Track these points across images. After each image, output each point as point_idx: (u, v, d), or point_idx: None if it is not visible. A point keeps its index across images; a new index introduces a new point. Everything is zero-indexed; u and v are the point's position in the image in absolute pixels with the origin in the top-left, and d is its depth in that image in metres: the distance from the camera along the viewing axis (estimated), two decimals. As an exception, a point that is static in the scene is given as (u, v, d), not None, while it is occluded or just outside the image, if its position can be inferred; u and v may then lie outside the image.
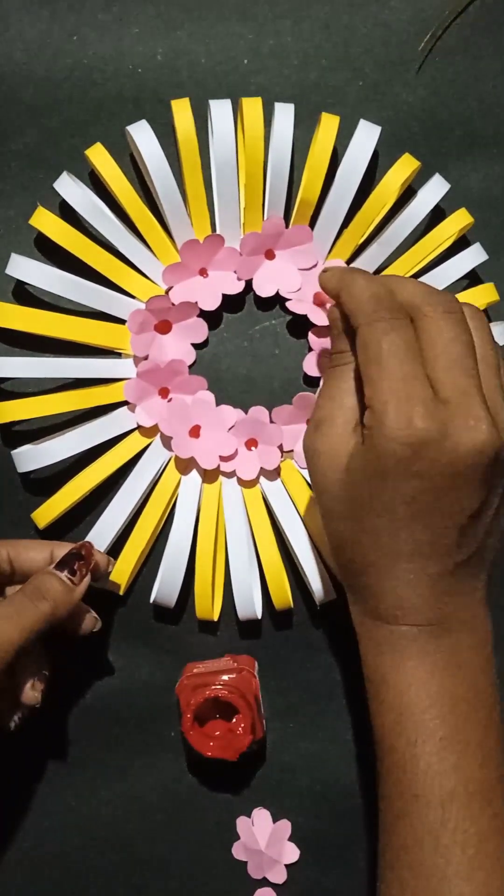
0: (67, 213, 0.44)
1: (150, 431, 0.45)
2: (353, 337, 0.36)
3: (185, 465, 0.46)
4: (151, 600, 0.46)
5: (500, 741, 0.36)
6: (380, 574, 0.36)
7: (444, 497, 0.34)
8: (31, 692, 0.41)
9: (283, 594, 0.45)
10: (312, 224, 0.44)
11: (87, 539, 0.44)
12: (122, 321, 0.44)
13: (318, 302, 0.44)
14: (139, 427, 0.45)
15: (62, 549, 0.42)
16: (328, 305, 0.39)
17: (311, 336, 0.45)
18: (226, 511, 0.45)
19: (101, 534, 0.44)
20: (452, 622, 0.36)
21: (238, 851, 0.48)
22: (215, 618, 0.47)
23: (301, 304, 0.45)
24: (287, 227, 0.45)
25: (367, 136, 0.43)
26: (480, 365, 0.35)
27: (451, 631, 0.36)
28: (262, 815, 0.48)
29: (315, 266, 0.45)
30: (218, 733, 0.45)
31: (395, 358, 0.34)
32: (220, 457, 0.45)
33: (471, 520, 0.35)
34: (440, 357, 0.34)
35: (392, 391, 0.33)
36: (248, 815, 0.48)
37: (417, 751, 0.35)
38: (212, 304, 0.45)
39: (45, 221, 0.43)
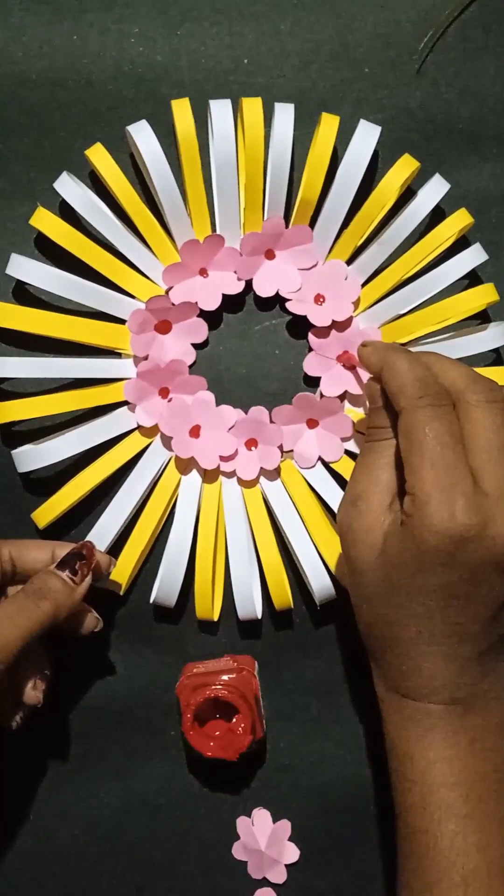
0: (67, 213, 0.44)
1: (150, 431, 0.45)
2: (393, 415, 0.36)
3: (185, 465, 0.46)
4: (151, 600, 0.46)
5: None
6: (410, 653, 0.36)
7: (480, 586, 0.35)
8: (33, 692, 0.41)
9: (283, 594, 0.45)
10: (312, 224, 0.44)
11: (88, 539, 0.44)
12: (122, 321, 0.44)
13: (348, 364, 0.44)
14: (139, 427, 0.45)
15: (64, 548, 0.42)
16: (366, 380, 0.40)
17: (311, 336, 0.45)
18: (226, 511, 0.45)
19: (101, 534, 0.44)
20: (478, 701, 0.36)
21: (238, 851, 0.48)
22: (215, 618, 0.47)
23: (301, 305, 0.45)
24: (287, 227, 0.45)
25: (367, 136, 0.43)
26: None
27: (476, 709, 0.36)
28: (262, 815, 0.48)
29: (315, 266, 0.45)
30: (218, 733, 0.45)
31: (438, 447, 0.34)
32: (220, 457, 0.45)
33: (501, 608, 0.35)
34: (482, 447, 0.35)
35: (435, 482, 0.34)
36: (248, 815, 0.48)
37: (441, 829, 0.35)
38: (212, 304, 0.45)
39: (45, 221, 0.43)
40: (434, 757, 0.36)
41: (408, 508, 0.34)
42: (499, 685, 0.37)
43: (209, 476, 0.46)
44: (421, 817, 0.36)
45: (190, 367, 0.45)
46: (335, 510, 0.45)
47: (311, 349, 0.45)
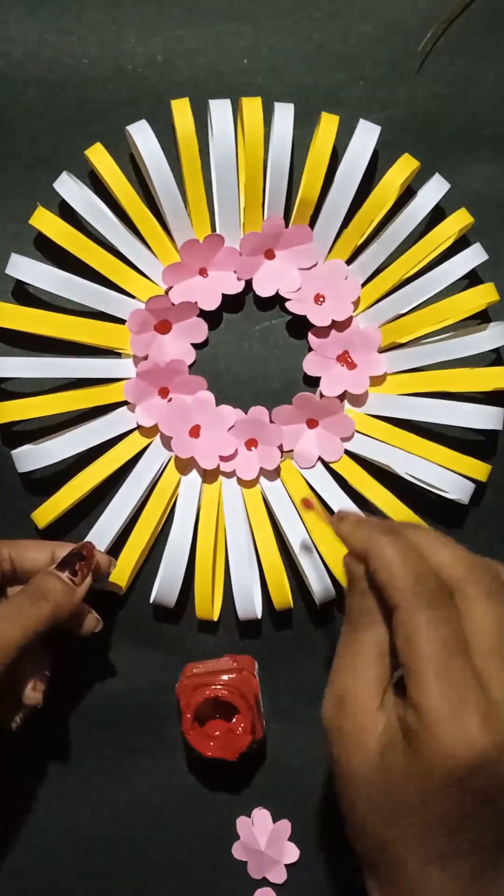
0: (67, 213, 0.44)
1: (150, 431, 0.45)
2: (380, 596, 0.33)
3: (184, 465, 0.46)
4: (151, 600, 0.46)
5: None
6: (409, 873, 0.32)
7: (493, 805, 0.31)
8: (33, 693, 0.41)
9: (283, 594, 0.45)
10: (312, 224, 0.44)
11: (88, 539, 0.44)
12: (122, 321, 0.44)
13: (305, 506, 0.42)
14: (139, 427, 0.45)
15: (63, 549, 0.42)
16: (344, 557, 0.35)
17: (311, 336, 0.45)
18: (226, 511, 0.45)
19: (101, 534, 0.44)
20: None
21: (238, 851, 0.48)
22: (215, 618, 0.47)
23: (301, 305, 0.45)
24: (287, 226, 0.45)
25: (366, 135, 0.43)
26: None
27: None
28: (262, 815, 0.48)
29: (315, 265, 0.45)
30: (218, 733, 0.45)
31: (444, 654, 0.30)
32: (220, 457, 0.45)
33: None
34: (487, 650, 0.31)
35: (444, 696, 0.30)
36: (248, 815, 0.48)
37: None
38: (212, 304, 0.45)
39: (45, 221, 0.43)
40: None
41: (412, 723, 0.30)
42: (497, 879, 0.33)
43: (209, 476, 0.46)
44: None
45: (190, 366, 0.45)
46: (335, 510, 0.45)
47: (310, 349, 0.45)
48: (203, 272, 0.45)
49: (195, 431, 0.45)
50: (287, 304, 0.45)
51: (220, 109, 0.43)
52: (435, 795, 0.31)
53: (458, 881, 0.32)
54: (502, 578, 0.33)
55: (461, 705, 0.30)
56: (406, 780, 0.31)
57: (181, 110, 0.43)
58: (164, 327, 0.45)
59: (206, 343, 0.46)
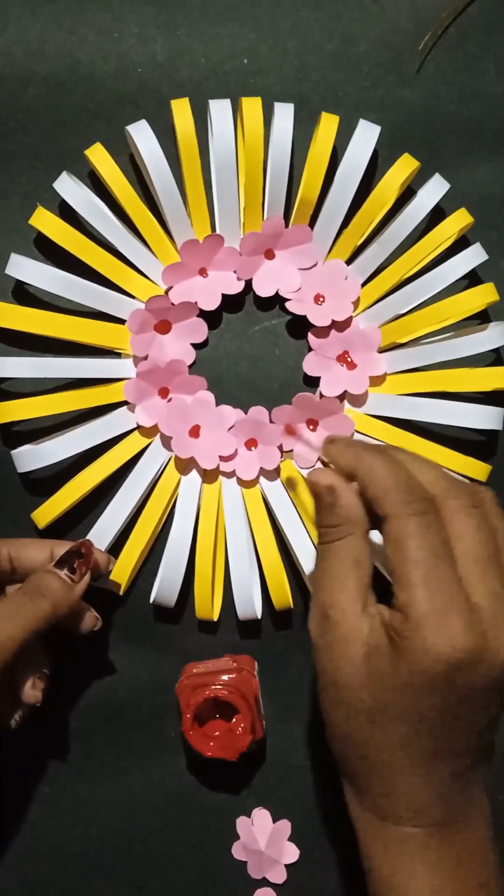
0: (67, 213, 0.44)
1: (149, 431, 0.45)
2: (361, 512, 0.34)
3: (184, 465, 0.46)
4: (151, 600, 0.46)
5: None
6: (392, 775, 0.34)
7: (474, 706, 0.33)
8: (32, 691, 0.41)
9: (282, 594, 0.45)
10: (312, 224, 0.44)
11: (87, 538, 0.44)
12: (122, 321, 0.44)
13: (288, 433, 0.43)
14: (139, 427, 0.45)
15: (62, 547, 0.42)
16: (307, 476, 0.36)
17: (310, 336, 0.45)
18: (226, 511, 0.45)
19: (101, 534, 0.44)
20: (460, 821, 0.34)
21: (238, 851, 0.48)
22: (215, 618, 0.47)
23: (301, 305, 0.45)
24: (287, 226, 0.45)
25: (366, 135, 0.43)
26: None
27: (459, 830, 0.34)
28: (262, 815, 0.48)
29: (315, 265, 0.45)
30: (218, 733, 0.45)
31: (432, 561, 0.32)
32: (220, 457, 0.45)
33: (491, 721, 0.34)
34: (469, 557, 0.33)
35: (430, 601, 0.31)
36: (248, 815, 0.48)
37: None
38: (211, 304, 0.45)
39: (45, 221, 0.43)
40: (421, 886, 0.34)
41: (399, 627, 0.32)
42: (481, 798, 0.35)
43: (209, 476, 0.46)
44: None
45: (190, 367, 0.45)
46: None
47: (310, 349, 0.45)
48: (203, 272, 0.45)
49: (195, 431, 0.45)
50: (287, 304, 0.45)
51: (220, 109, 0.43)
52: (418, 694, 0.32)
53: (438, 786, 0.34)
54: (483, 497, 0.34)
55: (446, 608, 0.31)
56: (391, 681, 0.32)
57: (181, 110, 0.43)
58: (164, 327, 0.45)
59: (206, 343, 0.46)
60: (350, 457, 0.35)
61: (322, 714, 0.36)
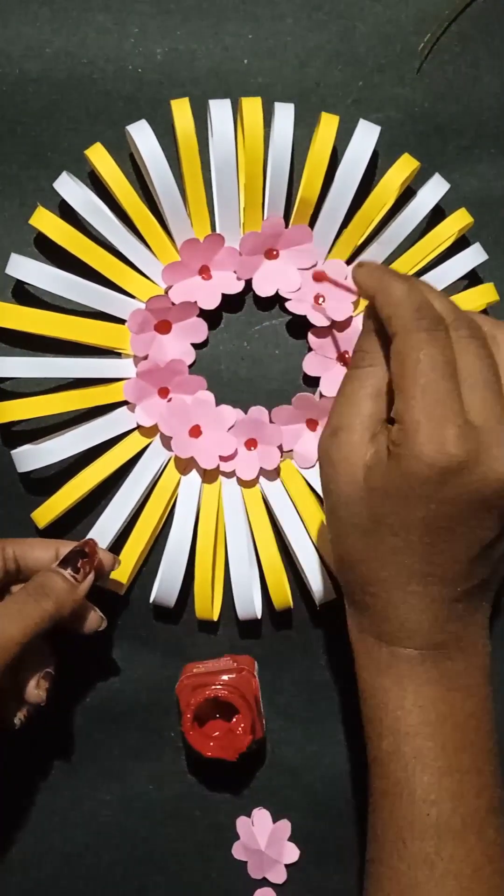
0: (67, 213, 0.44)
1: (149, 431, 0.45)
2: (384, 341, 0.35)
3: (184, 465, 0.46)
4: (151, 600, 0.46)
5: (497, 768, 0.36)
6: (388, 593, 0.35)
7: (465, 523, 0.33)
8: (36, 691, 0.41)
9: (282, 594, 0.45)
10: (312, 224, 0.44)
11: (91, 538, 0.44)
12: (122, 321, 0.44)
13: (317, 279, 0.44)
14: (139, 427, 0.45)
15: (67, 547, 0.42)
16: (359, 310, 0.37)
17: (310, 336, 0.45)
18: (226, 511, 0.45)
19: (101, 533, 0.44)
20: (454, 647, 0.35)
21: (238, 851, 0.48)
22: (215, 618, 0.47)
23: (301, 305, 0.45)
24: (287, 226, 0.45)
25: (366, 135, 0.43)
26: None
27: (452, 657, 0.35)
28: (262, 815, 0.48)
29: (314, 266, 0.45)
30: (218, 733, 0.45)
31: (432, 373, 0.32)
32: (220, 457, 0.45)
33: (485, 549, 0.34)
34: (471, 379, 0.33)
35: (426, 410, 0.32)
36: (248, 815, 0.48)
37: (416, 779, 0.35)
38: (211, 303, 0.45)
39: (45, 221, 0.43)
40: (409, 706, 0.35)
41: (396, 438, 0.33)
42: (478, 630, 0.36)
43: (209, 476, 0.46)
44: (394, 768, 0.35)
45: (190, 366, 0.45)
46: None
47: (310, 349, 0.45)
48: (203, 273, 0.45)
49: (195, 431, 0.45)
50: (287, 304, 0.45)
51: (220, 109, 0.43)
52: (411, 504, 0.33)
53: (434, 609, 0.34)
54: (495, 334, 0.35)
55: (442, 419, 0.32)
56: (386, 491, 0.33)
57: (181, 110, 0.43)
58: (163, 327, 0.45)
59: (206, 343, 0.46)
60: (373, 280, 0.35)
61: (329, 534, 0.37)
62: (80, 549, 0.41)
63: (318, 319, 0.44)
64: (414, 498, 0.33)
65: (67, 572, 0.40)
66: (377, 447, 0.34)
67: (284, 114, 0.43)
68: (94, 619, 0.43)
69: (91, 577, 0.41)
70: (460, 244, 0.45)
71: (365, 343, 0.36)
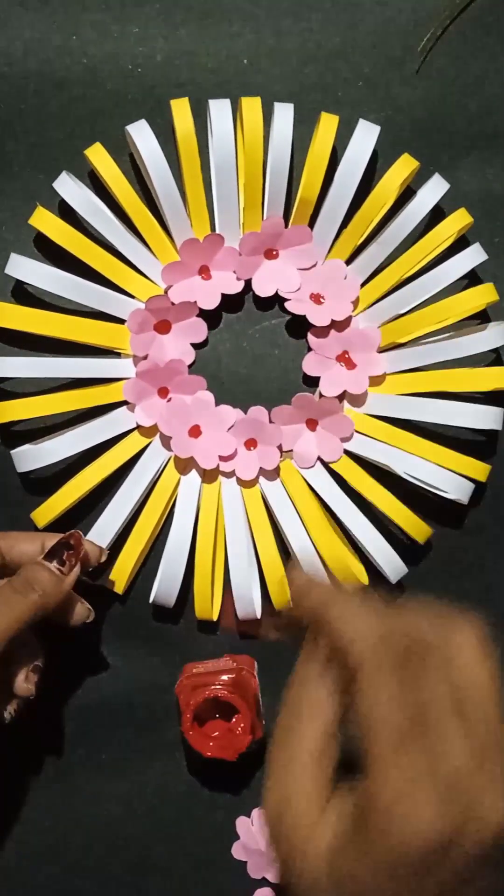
0: (67, 213, 0.44)
1: (149, 431, 0.45)
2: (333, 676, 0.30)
3: (184, 465, 0.46)
4: (151, 600, 0.46)
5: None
6: None
7: (468, 885, 0.27)
8: (25, 684, 0.41)
9: (282, 594, 0.45)
10: (312, 224, 0.44)
11: (76, 530, 0.43)
12: (121, 321, 0.44)
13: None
14: (138, 427, 0.45)
15: (53, 540, 0.41)
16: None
17: (310, 336, 0.45)
18: (225, 511, 0.45)
19: (100, 534, 0.44)
20: None
21: (238, 851, 0.48)
22: (215, 618, 0.47)
23: (300, 304, 0.45)
24: (286, 226, 0.44)
25: (366, 135, 0.43)
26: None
27: None
28: (262, 815, 0.48)
29: (314, 265, 0.45)
30: (217, 733, 0.45)
31: (399, 733, 0.27)
32: (220, 457, 0.45)
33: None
34: (443, 720, 0.27)
35: (396, 788, 0.26)
36: (248, 815, 0.48)
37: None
38: (211, 303, 0.45)
39: (45, 221, 0.43)
40: None
41: (364, 808, 0.27)
42: None
43: (208, 476, 0.46)
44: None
45: (189, 366, 0.45)
46: (335, 510, 0.45)
47: (310, 349, 0.45)
48: (203, 272, 0.45)
49: (195, 431, 0.45)
50: (286, 304, 0.45)
51: (219, 109, 0.43)
52: (398, 886, 0.27)
53: None
54: (461, 643, 0.29)
55: (414, 793, 0.26)
56: (358, 873, 0.27)
57: (181, 110, 0.43)
58: (163, 327, 0.45)
59: (205, 343, 0.46)
60: (315, 601, 0.31)
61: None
62: (65, 542, 0.41)
63: (317, 319, 0.44)
64: (398, 879, 0.27)
65: (53, 565, 0.40)
66: (337, 816, 0.28)
67: (284, 114, 0.43)
68: (82, 612, 0.42)
69: (77, 569, 0.41)
70: (460, 244, 0.45)
71: (312, 691, 0.31)
